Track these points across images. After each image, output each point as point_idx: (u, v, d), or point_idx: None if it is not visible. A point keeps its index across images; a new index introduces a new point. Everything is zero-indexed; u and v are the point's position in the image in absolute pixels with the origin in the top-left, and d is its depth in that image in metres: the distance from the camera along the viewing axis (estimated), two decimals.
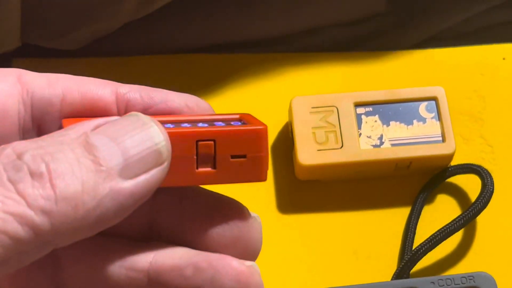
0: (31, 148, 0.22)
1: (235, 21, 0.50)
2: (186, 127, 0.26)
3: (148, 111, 0.27)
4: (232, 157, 0.26)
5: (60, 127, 0.27)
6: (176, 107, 0.27)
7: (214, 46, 0.50)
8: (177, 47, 0.50)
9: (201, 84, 0.49)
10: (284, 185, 0.46)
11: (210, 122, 0.27)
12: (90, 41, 0.48)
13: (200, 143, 0.25)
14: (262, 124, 0.26)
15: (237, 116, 0.28)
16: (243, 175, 0.26)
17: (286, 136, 0.47)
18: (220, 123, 0.26)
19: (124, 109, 0.27)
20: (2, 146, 0.22)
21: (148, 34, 0.50)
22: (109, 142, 0.23)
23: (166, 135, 0.24)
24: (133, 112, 0.25)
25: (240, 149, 0.26)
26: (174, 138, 0.25)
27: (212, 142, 0.25)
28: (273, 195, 0.46)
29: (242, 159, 0.26)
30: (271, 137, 0.47)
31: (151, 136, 0.24)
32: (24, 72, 0.27)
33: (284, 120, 0.48)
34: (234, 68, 0.49)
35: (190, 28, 0.50)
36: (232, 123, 0.27)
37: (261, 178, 0.26)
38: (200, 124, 0.26)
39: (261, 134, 0.26)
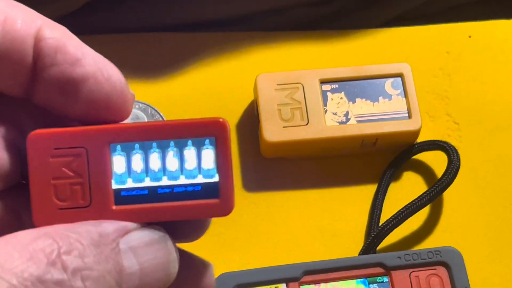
0: (74, 261, 0.22)
1: (200, 0, 0.49)
2: (144, 208, 0.25)
3: (51, 68, 0.25)
4: None
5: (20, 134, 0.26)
6: (81, 76, 0.25)
7: (179, 25, 0.49)
8: (140, 26, 0.49)
9: (166, 63, 0.48)
10: (250, 163, 0.46)
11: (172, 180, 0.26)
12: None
13: None
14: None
15: (210, 133, 0.26)
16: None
17: (252, 114, 0.47)
18: (185, 185, 0.26)
19: (35, 57, 0.25)
20: (47, 244, 0.22)
21: (111, 13, 0.49)
22: (134, 263, 0.24)
23: (178, 262, 0.25)
24: (157, 230, 0.25)
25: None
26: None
27: None
28: (238, 173, 0.46)
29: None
30: (237, 115, 0.47)
31: (168, 266, 0.25)
32: None
33: (249, 98, 0.47)
34: (199, 46, 0.49)
35: (154, 7, 0.49)
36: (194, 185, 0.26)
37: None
38: (161, 186, 0.26)
39: (224, 216, 0.26)
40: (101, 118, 0.26)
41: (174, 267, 0.25)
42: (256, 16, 0.50)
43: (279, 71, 0.46)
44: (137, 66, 0.48)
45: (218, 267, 0.43)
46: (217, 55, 0.49)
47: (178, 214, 0.25)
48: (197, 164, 0.25)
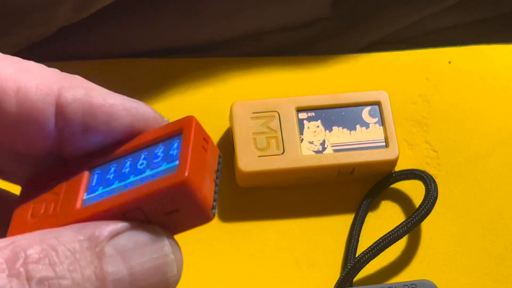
0: (42, 271, 0.21)
1: (175, 25, 0.49)
2: (108, 199, 0.24)
3: (84, 133, 0.25)
4: (167, 214, 0.24)
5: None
6: (118, 130, 0.25)
7: (154, 51, 0.49)
8: (116, 51, 0.49)
9: (141, 89, 0.48)
10: (225, 192, 0.45)
11: (142, 167, 0.25)
12: (25, 46, 0.47)
13: (128, 214, 0.24)
14: (192, 165, 0.23)
15: (178, 131, 0.25)
16: (186, 225, 0.24)
17: (227, 142, 0.46)
18: (149, 175, 0.24)
19: (61, 126, 0.24)
20: (13, 252, 0.21)
21: (86, 39, 0.48)
22: (122, 268, 0.22)
23: (181, 264, 0.24)
24: (152, 228, 0.23)
25: (169, 207, 0.24)
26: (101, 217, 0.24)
27: (139, 211, 0.24)
28: None
29: (176, 213, 0.24)
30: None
31: (165, 269, 0.23)
32: None
33: (225, 125, 0.47)
34: (174, 73, 0.48)
35: (130, 32, 0.49)
36: (161, 167, 0.24)
37: (208, 219, 0.25)
38: (128, 182, 0.24)
39: (185, 187, 0.23)
40: None
41: (172, 270, 0.23)
42: (233, 42, 0.49)
43: (255, 97, 0.46)
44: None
45: None
46: (192, 82, 0.48)
47: (142, 194, 0.24)
48: (164, 157, 0.24)
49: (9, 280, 0.20)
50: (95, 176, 0.25)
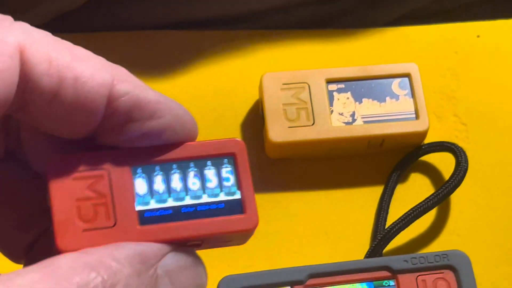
0: None
1: None
2: (170, 226, 0.25)
3: (127, 125, 0.25)
4: (223, 242, 0.26)
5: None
6: (159, 128, 0.25)
7: (183, 23, 0.49)
8: (145, 23, 0.49)
9: (171, 61, 0.48)
10: (255, 164, 0.45)
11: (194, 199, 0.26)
12: (54, 17, 0.47)
13: (189, 243, 0.25)
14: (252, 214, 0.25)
15: (229, 154, 0.26)
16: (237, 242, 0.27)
17: (257, 114, 0.46)
18: (207, 204, 0.25)
19: (107, 115, 0.24)
20: (84, 281, 0.22)
21: (115, 10, 0.48)
22: None
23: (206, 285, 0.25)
24: (191, 251, 0.25)
25: (228, 239, 0.26)
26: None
27: (199, 241, 0.25)
28: None
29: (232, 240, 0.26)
30: (242, 114, 0.46)
31: None
32: (29, 41, 0.23)
33: (255, 97, 0.47)
34: (204, 45, 0.48)
35: (159, 4, 0.49)
36: (219, 204, 0.26)
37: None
38: (185, 206, 0.25)
39: (252, 230, 0.25)
40: None
41: None
42: (262, 14, 0.49)
43: (285, 70, 0.46)
44: (140, 64, 0.47)
45: (222, 270, 0.42)
46: (222, 54, 0.48)
47: (204, 230, 0.25)
48: (218, 182, 0.25)
49: None
50: (141, 180, 0.25)
